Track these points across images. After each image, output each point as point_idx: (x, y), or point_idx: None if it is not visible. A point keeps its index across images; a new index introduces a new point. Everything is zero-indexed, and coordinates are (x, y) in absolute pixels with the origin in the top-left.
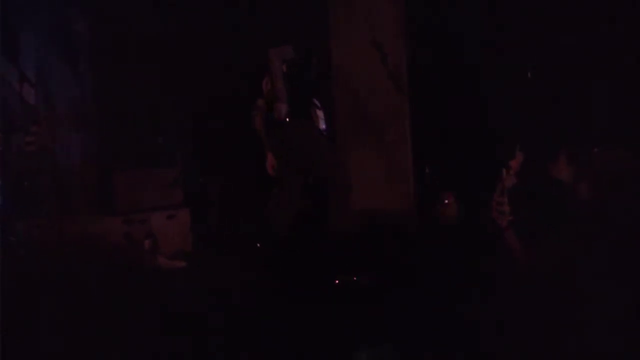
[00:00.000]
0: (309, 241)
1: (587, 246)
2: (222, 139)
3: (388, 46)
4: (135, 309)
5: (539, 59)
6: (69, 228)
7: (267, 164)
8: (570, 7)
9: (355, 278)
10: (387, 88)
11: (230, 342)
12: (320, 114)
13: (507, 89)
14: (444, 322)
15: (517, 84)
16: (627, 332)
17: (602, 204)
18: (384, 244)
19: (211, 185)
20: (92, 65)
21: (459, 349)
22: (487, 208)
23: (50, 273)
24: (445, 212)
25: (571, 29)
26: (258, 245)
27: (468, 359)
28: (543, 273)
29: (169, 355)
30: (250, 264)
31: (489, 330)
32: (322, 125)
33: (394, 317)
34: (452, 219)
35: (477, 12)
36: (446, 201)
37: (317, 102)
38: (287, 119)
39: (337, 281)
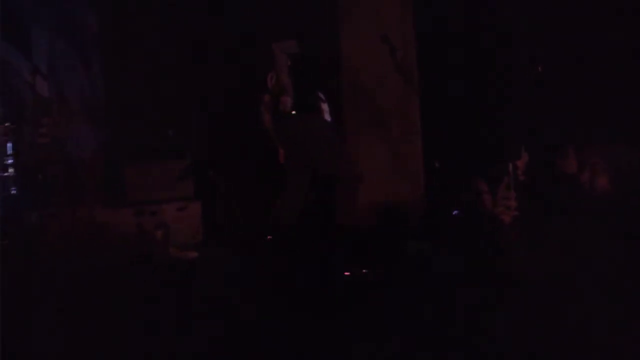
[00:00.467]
0: (317, 234)
1: (597, 239)
2: (231, 132)
3: (397, 38)
4: (146, 300)
5: (549, 54)
6: (82, 219)
7: (280, 156)
8: (575, 5)
9: (364, 271)
10: (396, 80)
11: (240, 334)
12: (325, 107)
13: (517, 82)
14: (453, 315)
15: (527, 76)
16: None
17: (612, 197)
18: (393, 238)
19: (220, 178)
20: (104, 58)
21: (467, 343)
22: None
23: (63, 263)
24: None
25: (577, 28)
26: (268, 238)
27: (475, 353)
28: (551, 267)
29: (182, 345)
30: (260, 257)
31: (499, 325)
32: (328, 118)
33: (402, 310)
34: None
35: (488, 4)
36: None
37: (321, 96)
38: (293, 112)
39: (346, 273)
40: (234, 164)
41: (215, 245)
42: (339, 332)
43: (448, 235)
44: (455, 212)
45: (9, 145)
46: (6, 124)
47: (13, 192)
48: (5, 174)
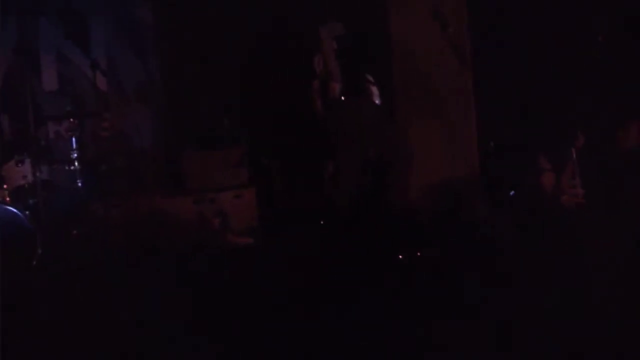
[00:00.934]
0: (371, 217)
1: None
2: (284, 119)
3: (449, 17)
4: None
5: (609, 25)
6: (144, 208)
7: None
8: None
9: (419, 253)
10: (448, 61)
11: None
12: (374, 90)
13: (573, 58)
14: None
15: (585, 51)
16: None
17: None
18: (447, 220)
19: (275, 164)
20: (159, 50)
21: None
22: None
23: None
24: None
25: None
26: (321, 222)
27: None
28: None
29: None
30: (315, 241)
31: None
32: (377, 101)
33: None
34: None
35: None
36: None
37: (370, 78)
38: (342, 98)
39: (400, 256)
40: (288, 150)
41: (270, 231)
42: (394, 314)
43: (504, 217)
44: (512, 193)
45: (73, 139)
46: (70, 120)
47: (79, 184)
48: (72, 167)
